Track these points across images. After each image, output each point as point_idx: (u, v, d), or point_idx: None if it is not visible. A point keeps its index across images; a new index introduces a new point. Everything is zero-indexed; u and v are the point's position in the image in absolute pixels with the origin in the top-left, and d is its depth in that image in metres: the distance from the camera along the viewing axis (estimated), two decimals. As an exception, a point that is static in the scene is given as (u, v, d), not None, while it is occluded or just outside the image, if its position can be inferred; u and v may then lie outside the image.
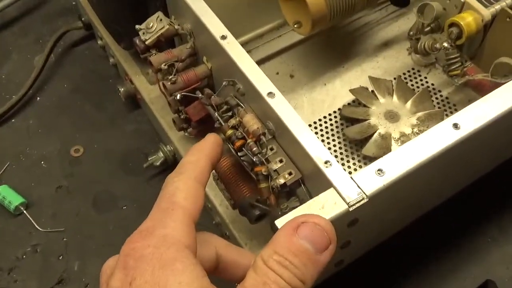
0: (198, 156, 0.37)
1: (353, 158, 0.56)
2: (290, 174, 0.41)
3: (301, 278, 0.30)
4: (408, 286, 0.54)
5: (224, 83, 0.46)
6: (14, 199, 0.60)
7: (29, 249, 0.59)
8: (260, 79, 0.42)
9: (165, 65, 0.50)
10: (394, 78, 0.61)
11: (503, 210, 0.59)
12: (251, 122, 0.43)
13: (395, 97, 0.58)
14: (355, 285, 0.54)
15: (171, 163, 0.62)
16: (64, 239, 0.59)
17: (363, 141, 0.55)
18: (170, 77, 0.49)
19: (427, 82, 0.61)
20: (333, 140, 0.57)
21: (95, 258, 0.58)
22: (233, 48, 0.44)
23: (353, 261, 0.50)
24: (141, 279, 0.28)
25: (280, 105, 0.40)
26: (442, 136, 0.38)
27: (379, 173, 0.37)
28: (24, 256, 0.58)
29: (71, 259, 0.58)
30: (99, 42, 0.71)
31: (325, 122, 0.59)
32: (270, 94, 0.41)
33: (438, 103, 0.59)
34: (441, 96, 0.60)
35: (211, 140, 0.39)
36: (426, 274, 0.55)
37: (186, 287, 0.28)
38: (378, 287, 0.54)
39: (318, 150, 0.38)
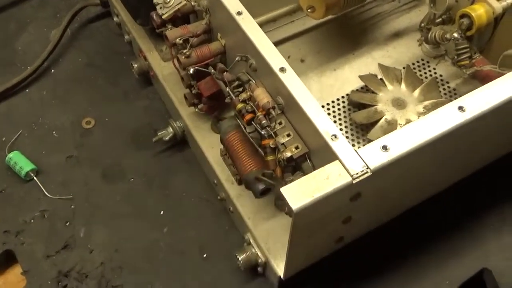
0: None
1: (358, 142, 0.57)
2: (296, 148, 0.42)
3: None
4: (406, 269, 0.55)
5: (237, 58, 0.47)
6: (25, 165, 0.61)
7: (37, 214, 0.60)
8: (273, 55, 0.43)
9: (180, 39, 0.51)
10: (403, 68, 0.62)
11: (505, 200, 0.60)
12: (262, 95, 0.44)
13: (403, 85, 0.59)
14: (354, 264, 0.55)
15: (179, 139, 0.63)
16: (72, 207, 0.61)
17: (369, 126, 0.56)
18: (185, 51, 0.50)
19: (435, 73, 0.62)
20: (340, 124, 0.58)
21: (101, 226, 0.59)
22: (248, 23, 0.45)
23: (353, 242, 0.51)
24: None
25: (291, 79, 0.41)
26: (447, 117, 0.39)
27: (384, 149, 0.38)
28: (32, 221, 0.59)
29: (77, 225, 0.59)
30: (115, 19, 0.72)
31: (333, 107, 0.60)
32: (282, 69, 0.42)
33: (445, 93, 0.60)
34: (448, 87, 0.61)
35: None
36: (424, 260, 0.56)
37: None
38: (377, 267, 0.55)
39: (326, 124, 0.39)
